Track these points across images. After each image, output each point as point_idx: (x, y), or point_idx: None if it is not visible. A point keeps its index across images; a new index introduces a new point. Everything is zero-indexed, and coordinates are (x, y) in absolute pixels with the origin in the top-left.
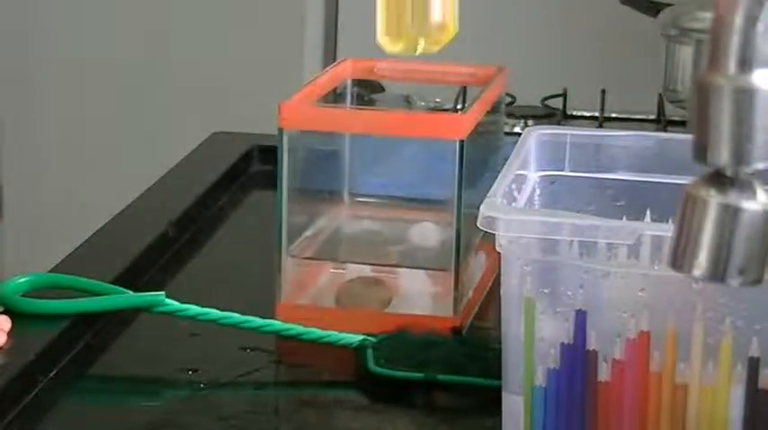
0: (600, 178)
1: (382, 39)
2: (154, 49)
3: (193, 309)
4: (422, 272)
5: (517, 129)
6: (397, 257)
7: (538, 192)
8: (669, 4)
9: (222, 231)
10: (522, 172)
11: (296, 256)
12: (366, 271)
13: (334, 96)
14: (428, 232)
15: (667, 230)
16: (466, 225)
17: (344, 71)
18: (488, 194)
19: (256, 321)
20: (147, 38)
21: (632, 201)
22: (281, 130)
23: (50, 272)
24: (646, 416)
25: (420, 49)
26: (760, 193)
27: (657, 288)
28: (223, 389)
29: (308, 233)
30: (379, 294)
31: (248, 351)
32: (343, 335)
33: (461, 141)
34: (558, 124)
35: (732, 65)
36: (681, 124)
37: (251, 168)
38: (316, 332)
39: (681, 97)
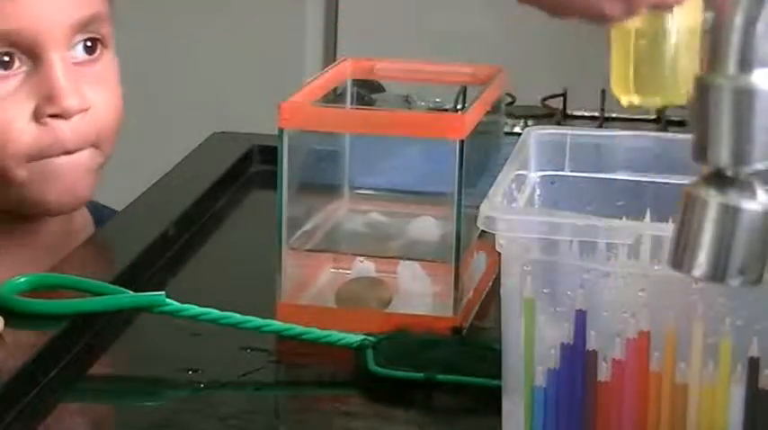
0: (600, 178)
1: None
2: (154, 48)
3: (193, 309)
4: (422, 272)
5: (517, 129)
6: (397, 251)
7: (538, 192)
8: None
9: (222, 231)
10: (522, 172)
11: (296, 249)
12: (367, 270)
13: (334, 96)
14: (428, 226)
15: (667, 230)
16: (466, 224)
17: (344, 71)
18: (488, 194)
19: (256, 321)
20: (147, 37)
21: (632, 201)
22: (281, 130)
23: (50, 272)
24: (646, 416)
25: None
26: (760, 193)
27: (657, 288)
28: (223, 389)
29: (308, 227)
30: (379, 294)
31: (248, 351)
32: (343, 335)
33: (461, 141)
34: (558, 124)
35: (732, 65)
36: (681, 124)
37: (251, 168)
38: (316, 332)
39: None
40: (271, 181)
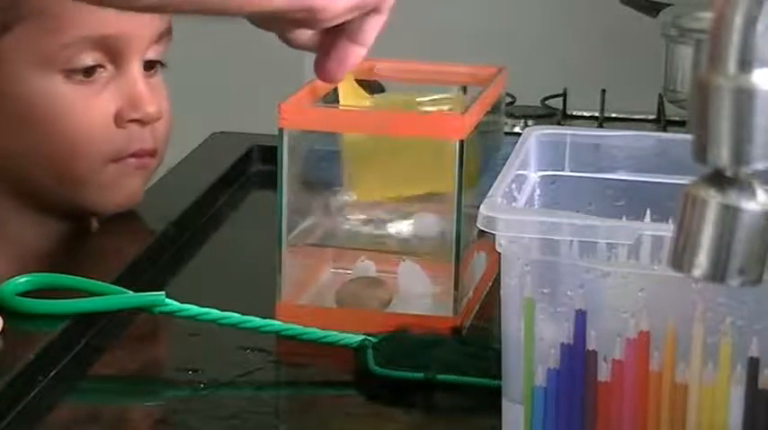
0: (600, 178)
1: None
2: None
3: (193, 309)
4: (422, 272)
5: (517, 129)
6: (397, 250)
7: (538, 192)
8: (669, 4)
9: (222, 231)
10: (522, 172)
11: (296, 249)
12: (367, 270)
13: (334, 96)
14: (428, 225)
15: (667, 230)
16: (466, 224)
17: None
18: (488, 194)
19: (256, 321)
20: None
21: (632, 201)
22: (281, 130)
23: (50, 272)
24: (646, 416)
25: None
26: (760, 193)
27: (657, 288)
28: (223, 389)
29: (307, 227)
30: (379, 294)
31: (248, 351)
32: (344, 335)
33: (461, 141)
34: (558, 124)
35: (732, 65)
36: (681, 124)
37: (251, 168)
38: (316, 332)
39: (681, 97)
40: (271, 181)
